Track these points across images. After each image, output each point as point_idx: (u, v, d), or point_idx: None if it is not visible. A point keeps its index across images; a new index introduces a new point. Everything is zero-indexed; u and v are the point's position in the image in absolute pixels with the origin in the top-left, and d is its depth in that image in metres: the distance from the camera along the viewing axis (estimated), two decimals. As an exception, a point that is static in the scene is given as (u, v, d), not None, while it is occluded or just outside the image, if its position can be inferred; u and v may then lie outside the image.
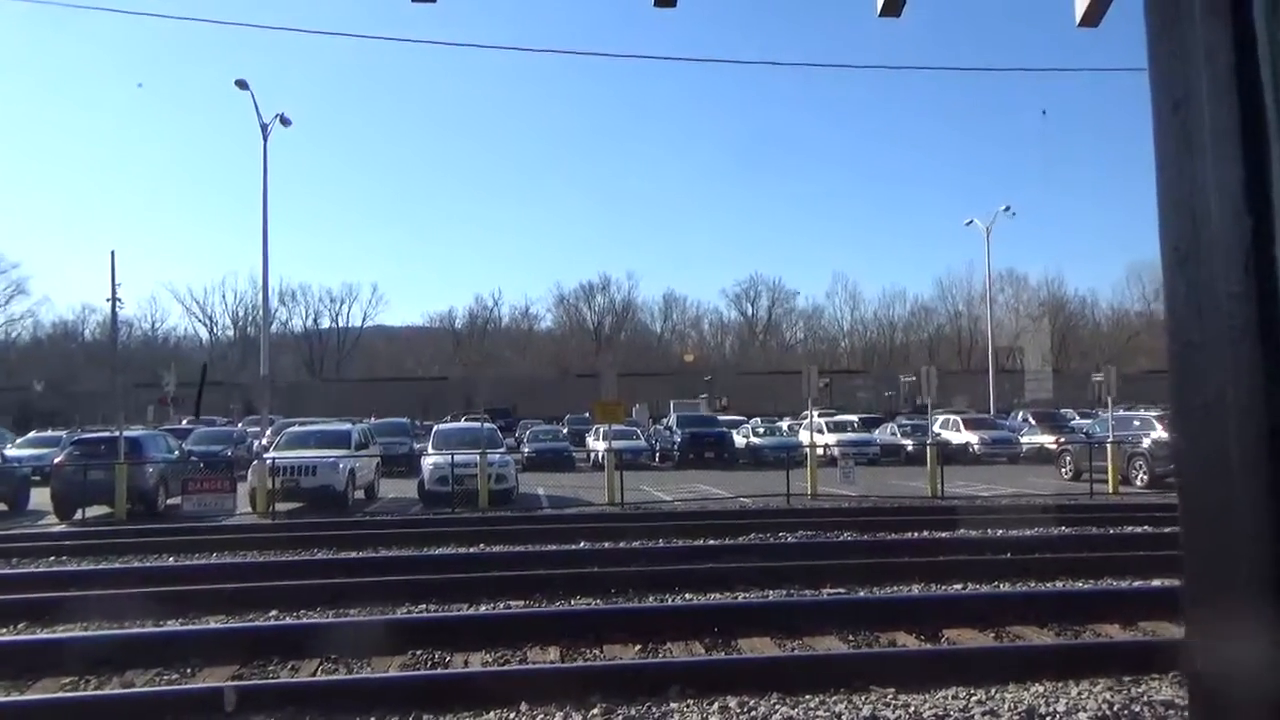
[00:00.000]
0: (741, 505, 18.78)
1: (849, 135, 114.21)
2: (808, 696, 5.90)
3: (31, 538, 14.98)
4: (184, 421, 38.42)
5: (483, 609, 8.89)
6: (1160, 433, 21.84)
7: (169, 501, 19.77)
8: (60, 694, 6.33)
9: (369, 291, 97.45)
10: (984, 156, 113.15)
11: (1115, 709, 5.66)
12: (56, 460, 20.49)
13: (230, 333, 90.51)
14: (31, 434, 34.52)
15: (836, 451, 25.86)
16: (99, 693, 6.37)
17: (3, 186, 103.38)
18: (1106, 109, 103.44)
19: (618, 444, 24.38)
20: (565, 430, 37.99)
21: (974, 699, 5.85)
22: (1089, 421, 31.64)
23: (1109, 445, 21.61)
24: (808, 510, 17.27)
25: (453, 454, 19.67)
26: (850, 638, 7.64)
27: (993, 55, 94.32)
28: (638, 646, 7.38)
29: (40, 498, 20.28)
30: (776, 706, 5.75)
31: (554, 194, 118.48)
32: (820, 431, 29.87)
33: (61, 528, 17.52)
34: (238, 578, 10.37)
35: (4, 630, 8.27)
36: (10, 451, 27.56)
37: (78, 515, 18.18)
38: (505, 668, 6.88)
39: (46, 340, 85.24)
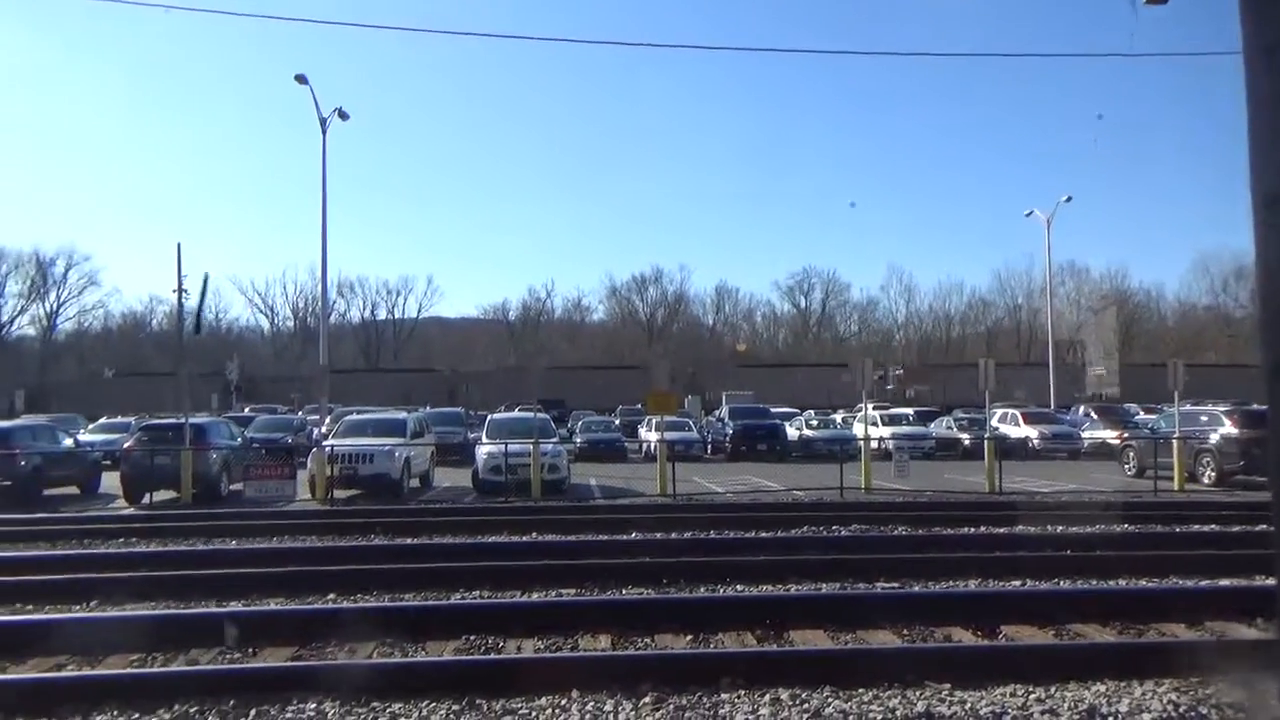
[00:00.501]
0: (794, 498, 18.66)
1: (905, 125, 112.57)
2: (861, 690, 5.83)
3: (102, 520, 15.48)
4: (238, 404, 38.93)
5: (535, 596, 8.95)
6: (1229, 429, 21.16)
7: (232, 487, 20.31)
8: (128, 670, 6.54)
9: (425, 283, 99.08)
10: (1045, 147, 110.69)
11: (1181, 710, 5.49)
12: (125, 446, 21.15)
13: (291, 323, 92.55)
14: (102, 420, 35.71)
15: (891, 445, 25.55)
16: (164, 669, 6.56)
17: (78, 182, 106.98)
18: (1174, 95, 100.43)
19: (670, 435, 24.38)
20: (617, 421, 38.11)
21: (1033, 697, 5.73)
22: (1153, 417, 30.77)
23: (1175, 441, 21.01)
24: (861, 504, 17.10)
25: (506, 443, 19.85)
26: (905, 632, 7.54)
27: (1053, 41, 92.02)
28: (689, 637, 7.37)
29: (110, 482, 20.97)
30: (829, 699, 5.69)
31: (607, 185, 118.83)
32: (874, 425, 29.53)
33: (130, 511, 18.09)
34: (296, 561, 10.59)
35: (77, 607, 8.56)
36: (82, 437, 28.54)
37: (145, 499, 18.75)
38: (557, 654, 6.92)
39: (116, 330, 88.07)
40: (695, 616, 7.77)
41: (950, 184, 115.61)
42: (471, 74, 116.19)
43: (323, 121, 30.23)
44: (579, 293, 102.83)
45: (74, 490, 21.17)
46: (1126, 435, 26.86)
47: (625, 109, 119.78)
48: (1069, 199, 48.17)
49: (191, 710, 5.51)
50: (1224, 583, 9.42)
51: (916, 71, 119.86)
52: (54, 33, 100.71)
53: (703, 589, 9.29)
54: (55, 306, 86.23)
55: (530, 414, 24.34)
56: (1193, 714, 5.46)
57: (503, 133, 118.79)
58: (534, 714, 5.48)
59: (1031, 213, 49.60)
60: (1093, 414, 36.63)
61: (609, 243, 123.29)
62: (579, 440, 31.05)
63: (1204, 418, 22.59)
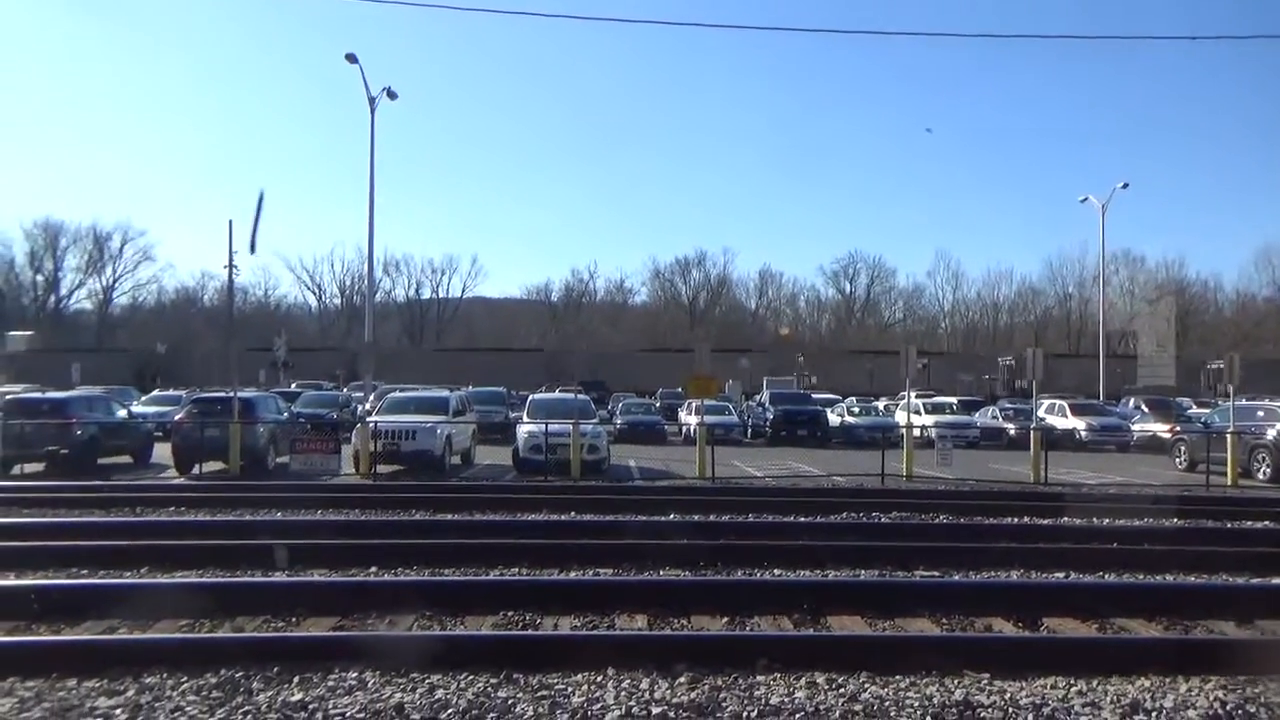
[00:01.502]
0: (834, 484, 18.54)
1: (955, 107, 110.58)
2: (898, 677, 5.79)
3: (153, 489, 15.89)
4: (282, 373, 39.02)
5: (573, 575, 9.01)
6: (1287, 424, 20.60)
7: (278, 460, 20.70)
8: (176, 634, 6.72)
9: (469, 263, 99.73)
10: (1102, 132, 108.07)
11: (1229, 708, 5.37)
12: (177, 418, 21.65)
13: (337, 301, 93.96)
14: (154, 392, 36.58)
15: (934, 433, 25.24)
16: (211, 635, 6.73)
17: (136, 158, 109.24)
18: (1237, 79, 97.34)
19: (710, 419, 24.35)
20: (658, 404, 38.12)
21: (1074, 689, 5.65)
22: (1206, 411, 30.04)
23: (1229, 436, 20.50)
24: (902, 491, 16.94)
25: (547, 423, 19.96)
26: (944, 621, 7.46)
27: (1110, 23, 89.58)
28: (725, 619, 7.37)
29: (161, 452, 21.50)
30: (866, 685, 5.66)
31: (651, 167, 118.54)
32: (917, 413, 29.21)
33: (180, 481, 18.53)
34: (341, 534, 10.78)
35: (128, 574, 8.80)
36: (136, 408, 29.27)
37: (195, 470, 19.20)
38: (594, 632, 6.97)
39: (169, 305, 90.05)
40: (732, 599, 7.75)
41: (1002, 169, 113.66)
42: (518, 54, 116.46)
43: (371, 101, 30.52)
44: (622, 275, 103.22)
45: (127, 460, 21.74)
46: (1178, 429, 26.26)
47: (671, 90, 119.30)
48: (1125, 185, 47.18)
49: (237, 675, 5.64)
50: (1276, 581, 9.19)
51: (969, 52, 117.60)
52: (114, 11, 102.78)
53: (740, 572, 9.28)
54: (111, 281, 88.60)
55: (571, 395, 24.42)
56: (1240, 712, 5.34)
57: (548, 114, 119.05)
58: (570, 690, 5.52)
59: (1086, 199, 48.60)
60: (1144, 407, 35.87)
61: (653, 225, 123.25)
62: (619, 422, 31.13)
63: (1261, 413, 22.00)
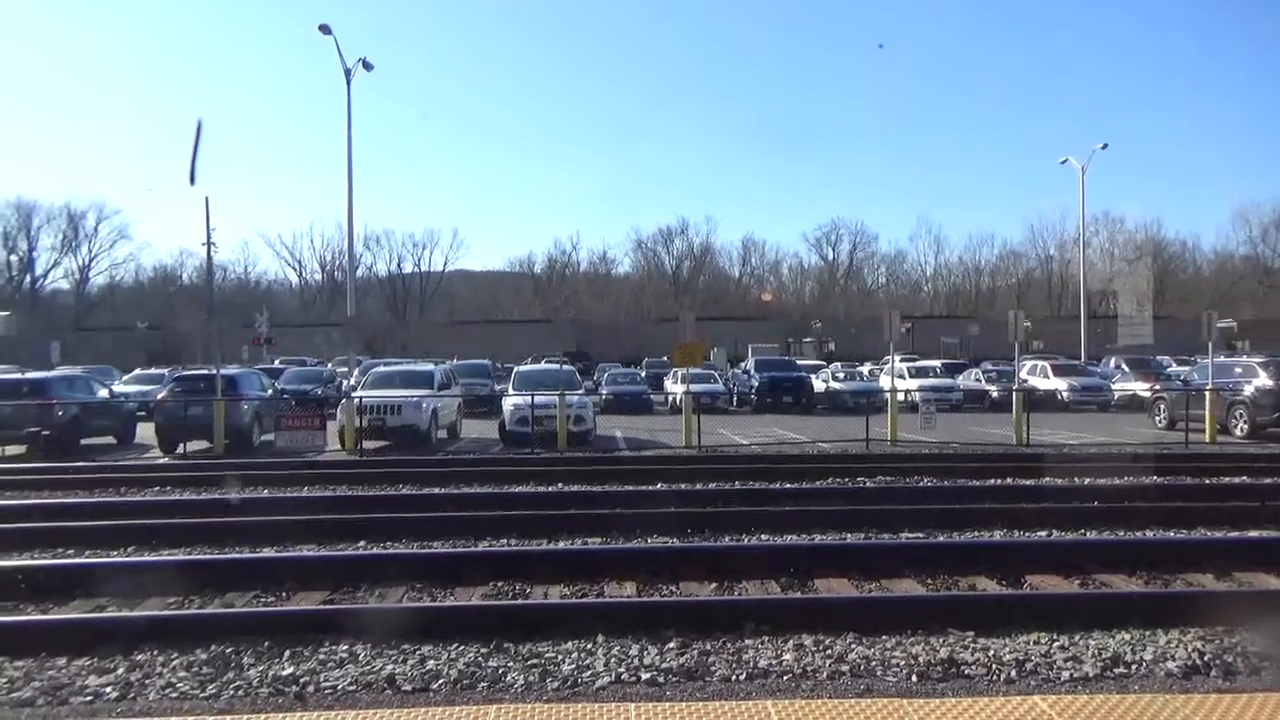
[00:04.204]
0: (819, 450, 18.66)
1: (937, 72, 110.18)
2: (884, 637, 5.87)
3: (138, 469, 15.78)
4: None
5: (561, 545, 9.05)
6: (1265, 380, 20.85)
7: (263, 437, 20.62)
8: (165, 611, 6.72)
9: (450, 236, 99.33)
10: (1081, 95, 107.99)
11: (1206, 659, 5.48)
12: (159, 397, 21.49)
13: (318, 277, 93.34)
14: (136, 371, 36.27)
15: (918, 397, 25.39)
16: (200, 611, 6.74)
17: (108, 136, 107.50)
18: (1213, 39, 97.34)
19: (695, 388, 24.38)
20: (643, 374, 38.14)
21: (1056, 644, 5.74)
22: (1186, 369, 30.34)
23: (1207, 393, 20.73)
24: (887, 455, 17.09)
25: (532, 395, 19.95)
26: (929, 581, 7.56)
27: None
28: (713, 585, 7.43)
29: (145, 432, 21.36)
30: (852, 646, 5.74)
31: (633, 137, 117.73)
32: (901, 377, 29.37)
33: (165, 460, 18.44)
34: (328, 510, 10.78)
35: (115, 552, 8.78)
36: (118, 388, 29.03)
37: (179, 449, 19.09)
38: (583, 600, 7.01)
39: (148, 283, 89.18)
40: (719, 565, 7.82)
41: (982, 133, 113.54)
42: (496, 26, 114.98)
43: (347, 72, 30.12)
44: (605, 245, 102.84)
45: (110, 440, 21.60)
46: (1158, 387, 26.53)
47: (649, 60, 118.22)
48: (1104, 146, 47.31)
49: (227, 650, 5.66)
50: (1253, 534, 9.36)
51: (947, 14, 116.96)
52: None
53: (727, 539, 9.36)
54: (87, 260, 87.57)
55: (556, 366, 24.38)
56: (1218, 662, 5.45)
57: (526, 85, 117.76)
58: (560, 658, 5.57)
59: (1066, 160, 48.73)
60: (1124, 366, 36.20)
61: (635, 195, 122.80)
62: (605, 392, 31.11)
63: (1238, 369, 22.24)
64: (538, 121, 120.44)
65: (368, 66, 30.59)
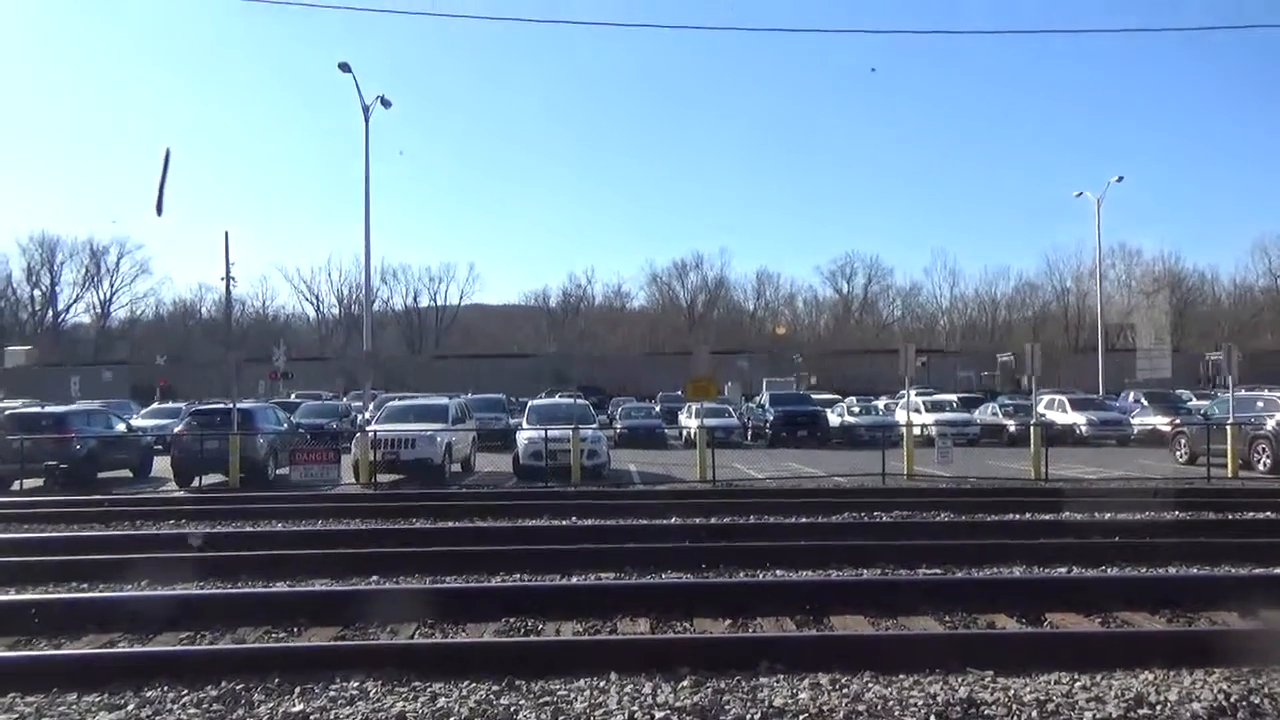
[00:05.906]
0: (835, 484, 18.52)
1: (949, 107, 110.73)
2: (902, 676, 5.76)
3: (154, 502, 15.84)
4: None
5: (574, 580, 8.98)
6: (1287, 415, 20.58)
7: (278, 471, 20.66)
8: (177, 646, 6.69)
9: (466, 270, 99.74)
10: (1097, 127, 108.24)
11: (1233, 700, 5.35)
12: (176, 430, 21.60)
13: (335, 311, 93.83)
14: (153, 405, 36.51)
15: (934, 431, 25.20)
16: (212, 647, 6.70)
17: (130, 171, 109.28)
18: (1231, 71, 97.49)
19: (710, 421, 24.34)
20: (658, 408, 38.07)
21: (1078, 684, 5.62)
22: (1205, 403, 30.00)
23: (1229, 427, 20.48)
24: (903, 490, 16.93)
25: (546, 429, 19.94)
26: (947, 619, 7.44)
27: (1104, 17, 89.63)
28: (728, 621, 7.34)
29: (161, 465, 21.45)
30: (870, 684, 5.64)
31: (647, 171, 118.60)
32: (917, 411, 29.18)
33: (181, 494, 18.49)
34: (341, 544, 10.75)
35: (129, 586, 8.77)
36: (136, 422, 29.21)
37: (195, 482, 19.14)
38: (596, 636, 6.94)
39: (167, 317, 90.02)
40: (734, 601, 7.73)
41: (997, 165, 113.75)
42: (511, 61, 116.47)
43: (365, 109, 30.55)
44: (619, 279, 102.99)
45: (127, 473, 21.70)
46: (1178, 421, 26.23)
47: (664, 93, 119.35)
48: (1120, 179, 47.20)
49: (238, 686, 5.62)
50: (1278, 571, 9.18)
51: (962, 48, 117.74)
52: (107, 24, 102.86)
53: (742, 574, 9.26)
54: (109, 295, 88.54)
55: (570, 400, 24.37)
56: (1244, 704, 5.32)
57: (541, 119, 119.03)
58: (573, 695, 5.50)
59: (1082, 194, 48.67)
60: (1143, 400, 35.84)
61: (649, 229, 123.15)
62: (619, 426, 31.05)
63: (1260, 403, 21.99)
64: (553, 156, 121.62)
65: (385, 104, 31.05)
